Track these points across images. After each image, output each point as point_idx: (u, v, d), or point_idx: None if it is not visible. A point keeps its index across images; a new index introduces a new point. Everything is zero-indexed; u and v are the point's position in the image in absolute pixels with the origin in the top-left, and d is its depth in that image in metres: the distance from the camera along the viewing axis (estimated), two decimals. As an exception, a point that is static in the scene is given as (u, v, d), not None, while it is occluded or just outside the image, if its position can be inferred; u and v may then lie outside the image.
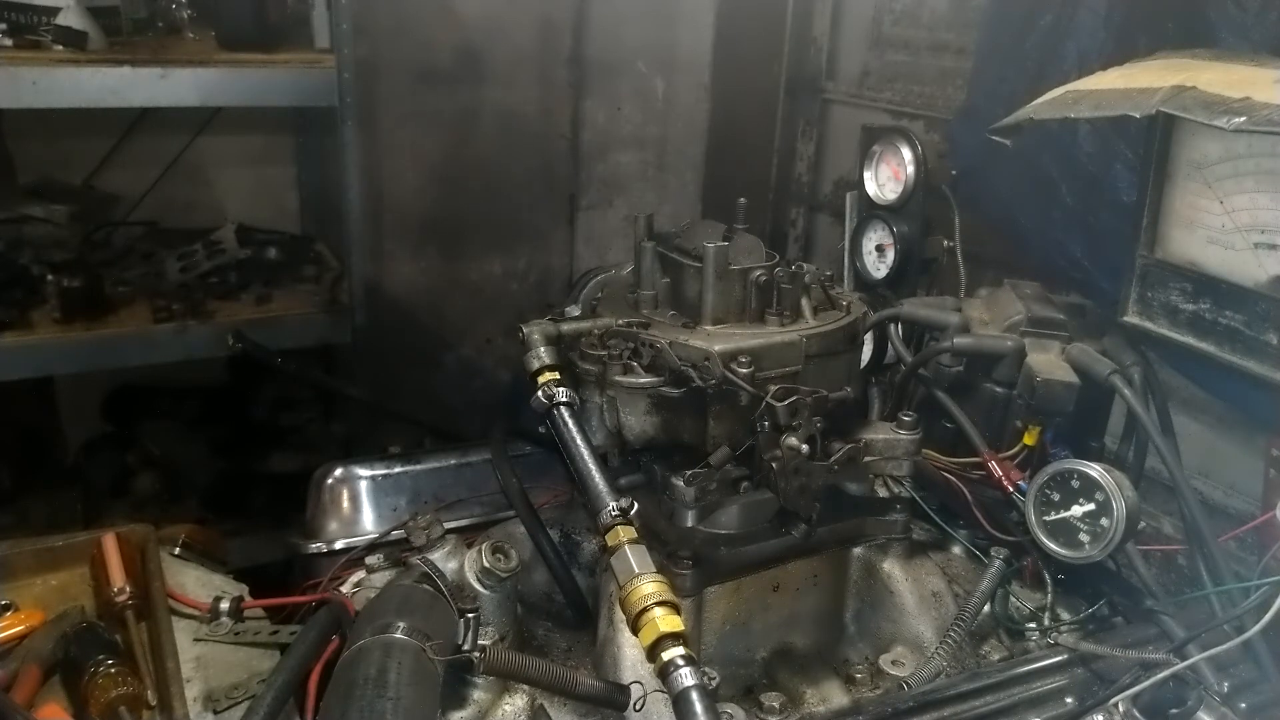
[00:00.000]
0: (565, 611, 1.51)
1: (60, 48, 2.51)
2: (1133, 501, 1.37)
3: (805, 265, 1.46)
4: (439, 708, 1.13)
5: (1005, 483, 1.53)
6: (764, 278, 1.41)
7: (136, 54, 2.53)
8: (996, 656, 1.49)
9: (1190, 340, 1.62)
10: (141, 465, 3.13)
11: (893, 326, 1.84)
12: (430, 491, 1.82)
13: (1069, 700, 1.30)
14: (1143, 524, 1.44)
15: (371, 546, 1.65)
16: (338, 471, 1.81)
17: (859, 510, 1.52)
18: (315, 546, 1.74)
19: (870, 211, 2.29)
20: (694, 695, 1.05)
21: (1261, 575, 1.36)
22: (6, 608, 1.36)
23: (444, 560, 1.31)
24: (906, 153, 2.18)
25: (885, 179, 2.26)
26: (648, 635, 1.10)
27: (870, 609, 1.53)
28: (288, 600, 1.47)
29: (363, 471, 1.82)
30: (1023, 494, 1.48)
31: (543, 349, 1.36)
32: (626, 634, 1.21)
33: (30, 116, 2.79)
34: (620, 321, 1.40)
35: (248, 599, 1.43)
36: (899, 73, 2.90)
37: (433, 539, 1.32)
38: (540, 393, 1.33)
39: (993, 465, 1.55)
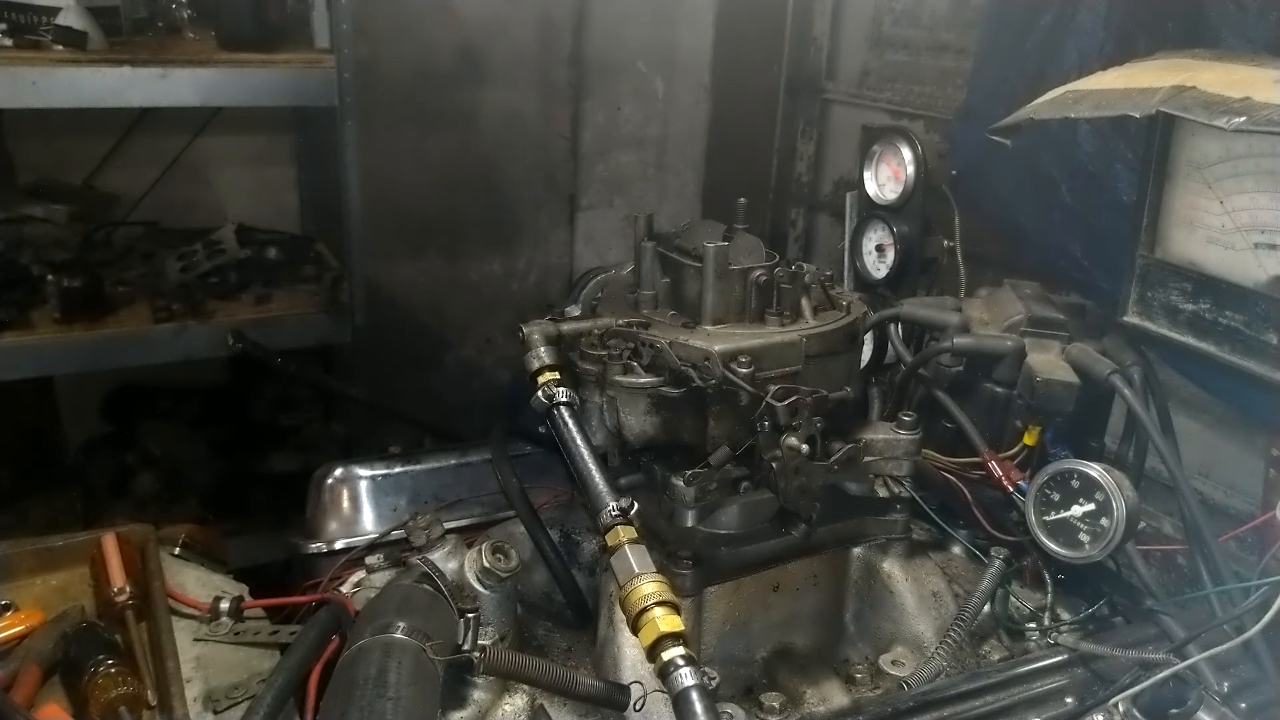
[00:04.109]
0: (565, 611, 1.51)
1: (60, 48, 2.51)
2: (1133, 501, 1.37)
3: (805, 265, 1.46)
4: (439, 708, 1.13)
5: (1005, 483, 1.53)
6: (764, 278, 1.41)
7: (136, 54, 2.53)
8: (996, 656, 1.48)
9: (1190, 340, 1.62)
10: (141, 465, 3.13)
11: (893, 326, 1.84)
12: (430, 491, 1.82)
13: (1069, 700, 1.30)
14: (1143, 524, 1.44)
15: (371, 546, 1.65)
16: (338, 471, 1.81)
17: (859, 510, 1.52)
18: (315, 546, 1.74)
19: (870, 211, 2.29)
20: (694, 695, 1.05)
21: (1261, 575, 1.36)
22: (6, 608, 1.36)
23: (444, 560, 1.31)
24: (906, 153, 2.18)
25: (885, 179, 2.26)
26: (648, 635, 1.10)
27: (870, 609, 1.53)
28: (288, 600, 1.47)
29: (363, 471, 1.82)
30: (1023, 494, 1.48)
31: (543, 349, 1.36)
32: (626, 634, 1.21)
33: (30, 116, 2.79)
34: (620, 321, 1.40)
35: (248, 599, 1.43)
36: (899, 73, 2.90)
37: (433, 539, 1.32)
38: (540, 393, 1.33)
39: (993, 465, 1.55)
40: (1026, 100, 1.66)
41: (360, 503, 1.80)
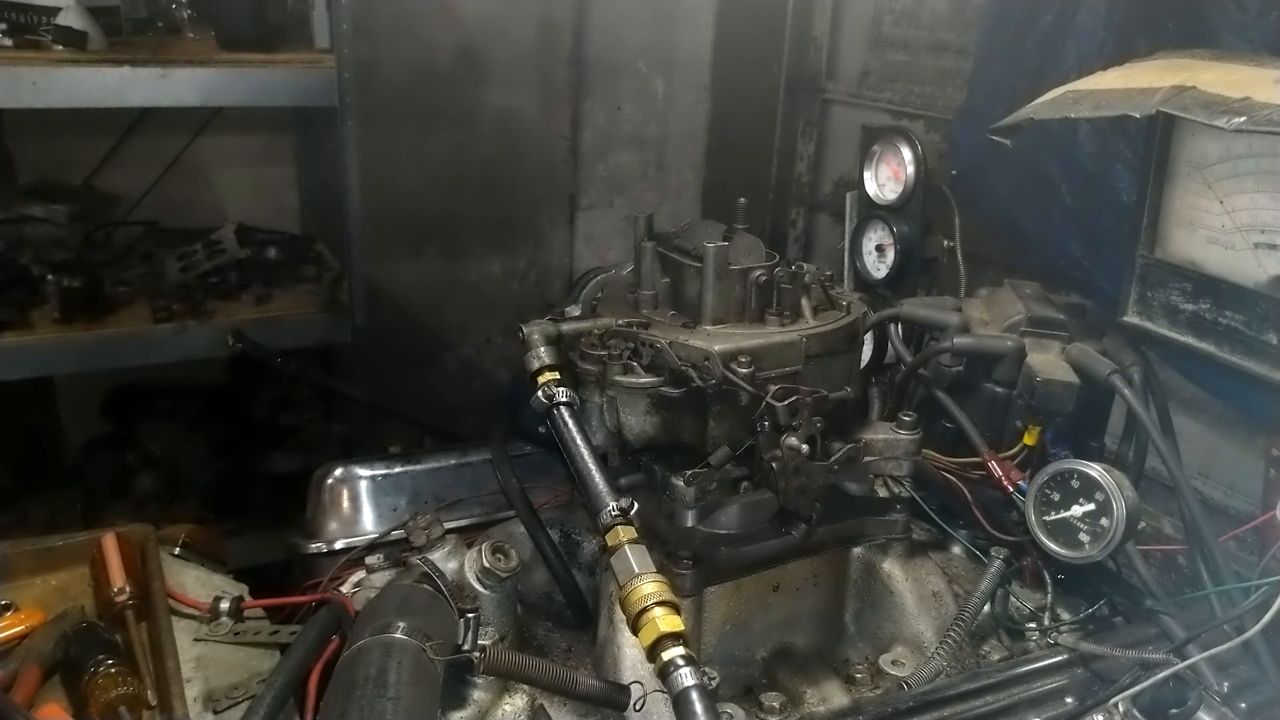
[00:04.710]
0: (565, 611, 1.51)
1: (60, 48, 2.51)
2: (1133, 501, 1.37)
3: (805, 265, 1.46)
4: (439, 708, 1.13)
5: (1005, 483, 1.53)
6: (764, 278, 1.41)
7: (136, 54, 2.54)
8: (996, 656, 1.48)
9: (1190, 340, 1.62)
10: (141, 465, 3.13)
11: (893, 326, 1.84)
12: (430, 491, 1.82)
13: (1069, 700, 1.30)
14: (1143, 524, 1.44)
15: (371, 546, 1.65)
16: (338, 471, 1.81)
17: (859, 510, 1.52)
18: (315, 546, 1.74)
19: (870, 211, 2.29)
20: (694, 695, 1.05)
21: (1261, 575, 1.37)
22: (6, 608, 1.36)
23: (444, 560, 1.31)
24: (906, 153, 2.19)
25: (885, 179, 2.26)
26: (648, 635, 1.10)
27: (870, 609, 1.53)
28: (288, 600, 1.47)
29: (363, 471, 1.82)
30: (1023, 494, 1.48)
31: (543, 349, 1.36)
32: (626, 634, 1.21)
33: (30, 116, 2.79)
34: (620, 321, 1.40)
35: (248, 599, 1.43)
36: (899, 73, 2.90)
37: (433, 539, 1.32)
38: (540, 393, 1.33)
39: (993, 465, 1.55)
40: (1026, 100, 1.66)
41: (360, 503, 1.80)
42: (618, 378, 1.35)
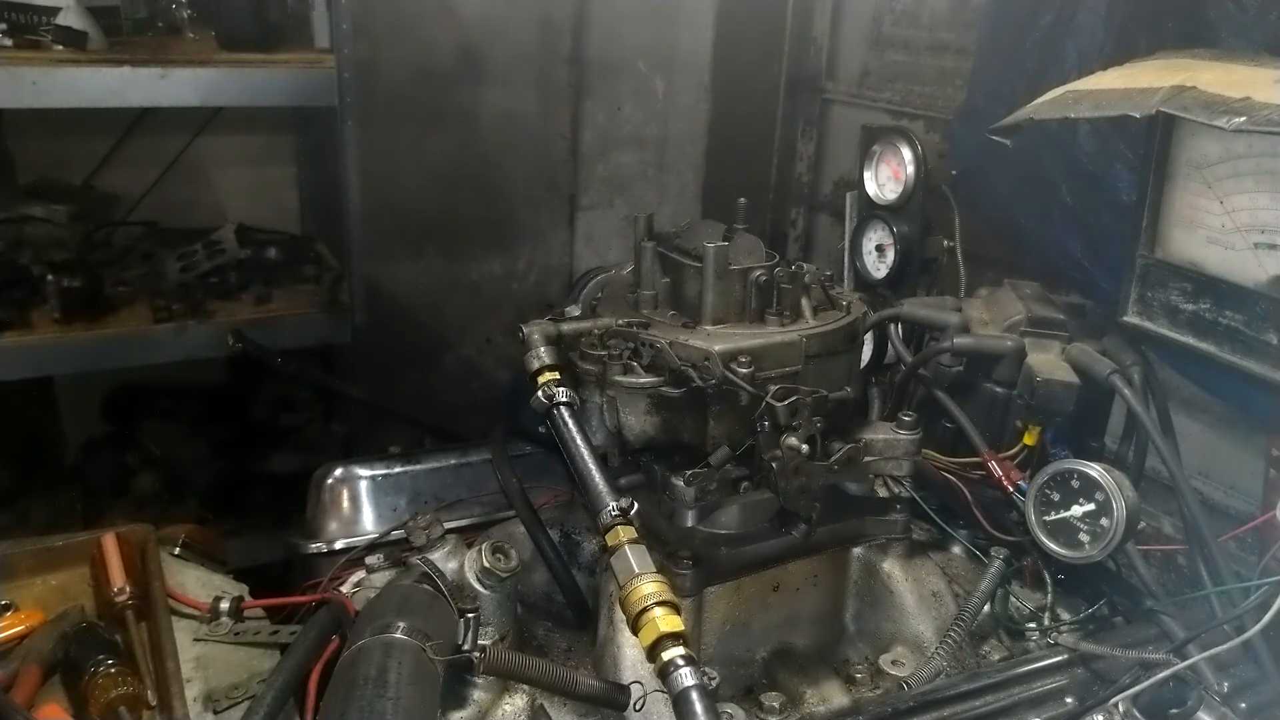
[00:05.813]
0: (565, 611, 1.51)
1: (60, 48, 2.51)
2: (1133, 501, 1.37)
3: (805, 265, 1.46)
4: (439, 708, 1.13)
5: (1005, 483, 1.53)
6: (764, 278, 1.41)
7: (136, 54, 2.54)
8: (996, 656, 1.49)
9: (1190, 340, 1.62)
10: (141, 465, 3.13)
11: (893, 326, 1.84)
12: (430, 491, 1.82)
13: (1069, 700, 1.31)
14: (1143, 524, 1.44)
15: (371, 546, 1.65)
16: (338, 471, 1.81)
17: (859, 510, 1.52)
18: (315, 546, 1.74)
19: (870, 211, 2.29)
20: (694, 695, 1.05)
21: (1261, 575, 1.37)
22: (6, 608, 1.36)
23: (444, 560, 1.31)
24: (906, 153, 2.19)
25: (885, 179, 2.26)
26: (648, 635, 1.10)
27: (870, 609, 1.53)
28: (288, 600, 1.47)
29: (363, 471, 1.82)
30: (1023, 494, 1.48)
31: (543, 349, 1.36)
32: (626, 634, 1.21)
33: (30, 116, 2.79)
34: (620, 321, 1.40)
35: (248, 599, 1.43)
36: (899, 73, 2.90)
37: (433, 539, 1.32)
38: (540, 393, 1.33)
39: (993, 465, 1.55)
40: (1026, 100, 1.67)
41: (360, 503, 1.80)
42: (618, 378, 1.35)
